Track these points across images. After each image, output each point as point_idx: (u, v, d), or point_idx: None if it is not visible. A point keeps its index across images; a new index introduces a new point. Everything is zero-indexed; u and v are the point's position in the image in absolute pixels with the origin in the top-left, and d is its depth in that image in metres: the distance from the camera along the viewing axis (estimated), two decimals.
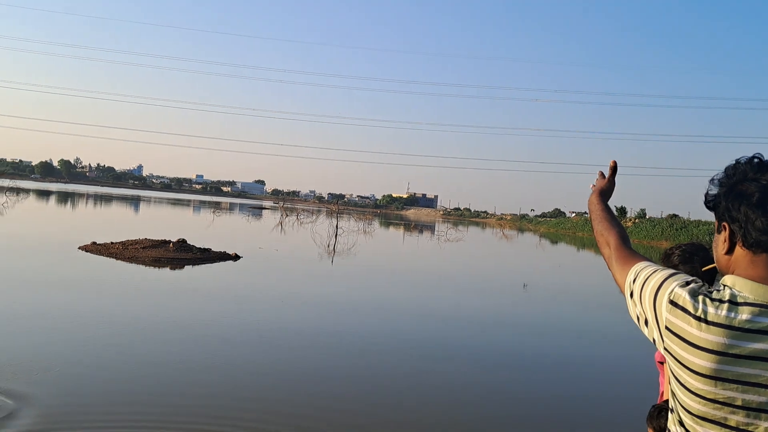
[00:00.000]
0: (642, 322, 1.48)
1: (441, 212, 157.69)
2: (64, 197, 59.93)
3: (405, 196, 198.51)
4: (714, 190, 1.48)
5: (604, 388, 7.78)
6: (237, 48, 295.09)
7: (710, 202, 1.49)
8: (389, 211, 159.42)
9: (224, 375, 6.64)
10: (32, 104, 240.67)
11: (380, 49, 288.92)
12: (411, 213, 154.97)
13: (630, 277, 1.55)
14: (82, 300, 10.11)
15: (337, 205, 46.40)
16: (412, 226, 62.86)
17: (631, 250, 1.67)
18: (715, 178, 1.48)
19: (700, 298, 1.35)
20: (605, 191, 1.96)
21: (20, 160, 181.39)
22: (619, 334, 11.18)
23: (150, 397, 5.75)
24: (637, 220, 69.54)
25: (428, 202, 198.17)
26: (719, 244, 1.48)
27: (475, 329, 10.73)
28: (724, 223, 1.44)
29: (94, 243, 17.33)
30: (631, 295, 1.52)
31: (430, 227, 65.94)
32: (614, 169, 1.98)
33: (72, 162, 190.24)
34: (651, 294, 1.44)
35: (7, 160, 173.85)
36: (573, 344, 10.25)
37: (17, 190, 54.70)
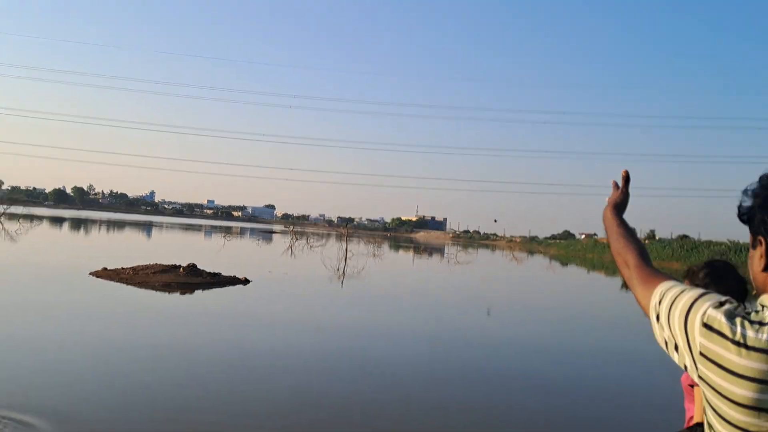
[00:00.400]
0: (671, 347, 1.32)
1: (450, 235, 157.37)
2: (77, 224, 60.37)
3: (414, 219, 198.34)
4: (748, 202, 1.31)
5: (623, 410, 7.70)
6: (246, 74, 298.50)
7: (744, 215, 1.33)
8: (399, 234, 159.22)
9: (230, 398, 6.65)
10: (46, 132, 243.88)
11: (389, 74, 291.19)
12: (420, 236, 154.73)
13: (654, 298, 1.39)
14: (91, 326, 10.18)
15: (347, 228, 46.43)
16: (421, 248, 62.82)
17: (652, 268, 1.52)
18: (749, 188, 1.32)
19: (738, 320, 1.20)
20: (619, 203, 1.77)
21: (34, 188, 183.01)
22: (637, 356, 11.11)
23: (157, 421, 5.79)
24: (647, 241, 69.11)
25: (437, 225, 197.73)
26: (755, 260, 1.33)
27: (487, 352, 10.70)
28: (760, 237, 1.30)
29: (105, 269, 17.46)
30: (657, 318, 1.36)
31: (440, 250, 65.82)
32: (626, 178, 1.81)
33: (85, 189, 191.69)
34: (681, 316, 1.28)
35: (21, 187, 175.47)
36: (587, 365, 10.19)
37: (31, 217, 55.22)
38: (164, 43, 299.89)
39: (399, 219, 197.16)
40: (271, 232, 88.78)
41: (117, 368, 7.54)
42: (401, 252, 55.73)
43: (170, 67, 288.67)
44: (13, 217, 50.34)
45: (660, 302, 1.36)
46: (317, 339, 10.66)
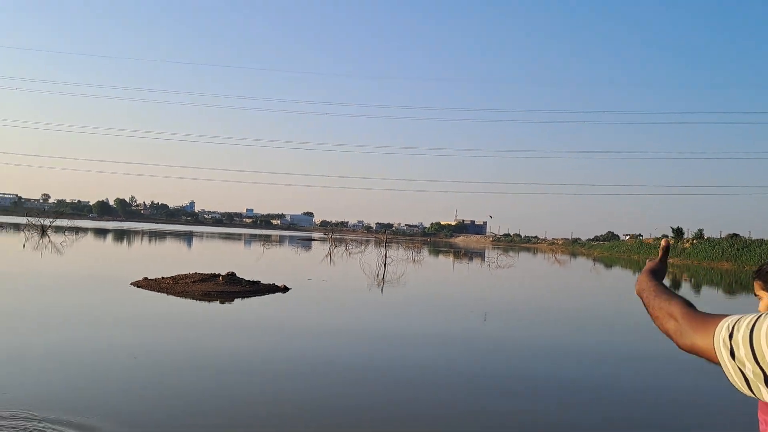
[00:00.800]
0: (759, 382, 1.09)
1: (490, 239, 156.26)
2: (120, 235, 61.50)
3: (453, 223, 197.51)
4: None
5: (692, 421, 7.23)
6: (282, 84, 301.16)
7: None
8: (438, 238, 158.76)
9: (273, 407, 6.41)
10: (89, 146, 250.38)
11: (426, 78, 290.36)
12: (460, 240, 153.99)
13: (721, 333, 1.18)
14: (133, 335, 10.07)
15: (385, 234, 46.24)
16: (461, 253, 62.19)
17: (702, 312, 1.34)
18: None
19: None
20: (656, 270, 1.67)
21: (78, 201, 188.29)
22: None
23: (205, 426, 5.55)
24: (695, 242, 67.20)
25: (477, 229, 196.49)
26: None
27: (524, 359, 10.27)
28: None
29: (146, 278, 17.50)
30: (732, 354, 1.14)
31: (480, 254, 65.16)
32: (666, 249, 1.71)
33: (127, 200, 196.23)
34: None
35: (67, 200, 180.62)
36: (655, 373, 9.68)
37: (76, 230, 56.46)
38: (201, 55, 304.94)
39: (438, 224, 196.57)
40: (310, 239, 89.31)
41: (160, 376, 7.41)
42: (441, 257, 55.24)
43: (206, 77, 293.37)
44: (59, 229, 51.55)
45: (731, 335, 1.15)
46: (358, 346, 10.36)
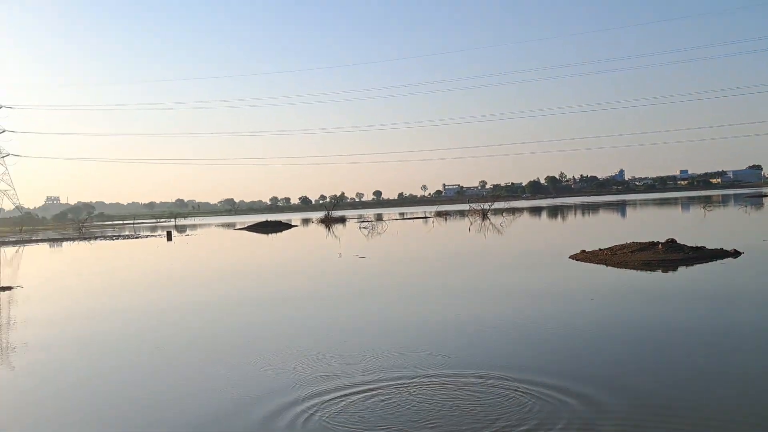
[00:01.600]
0: None
1: None
2: (553, 211, 63.85)
3: None
4: None
5: None
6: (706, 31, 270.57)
7: None
8: None
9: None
10: (518, 131, 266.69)
11: None
12: None
13: None
14: (606, 309, 10.33)
15: None
16: None
17: None
18: None
19: None
20: None
21: (512, 183, 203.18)
22: None
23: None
24: None
25: None
26: None
27: None
28: None
29: (583, 251, 17.77)
30: None
31: None
32: None
33: (557, 177, 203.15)
34: None
35: (501, 184, 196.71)
36: None
37: (512, 210, 60.89)
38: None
39: None
40: (761, 195, 78.42)
41: (631, 345, 7.49)
42: None
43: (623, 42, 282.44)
44: (497, 212, 56.36)
45: None
46: None
